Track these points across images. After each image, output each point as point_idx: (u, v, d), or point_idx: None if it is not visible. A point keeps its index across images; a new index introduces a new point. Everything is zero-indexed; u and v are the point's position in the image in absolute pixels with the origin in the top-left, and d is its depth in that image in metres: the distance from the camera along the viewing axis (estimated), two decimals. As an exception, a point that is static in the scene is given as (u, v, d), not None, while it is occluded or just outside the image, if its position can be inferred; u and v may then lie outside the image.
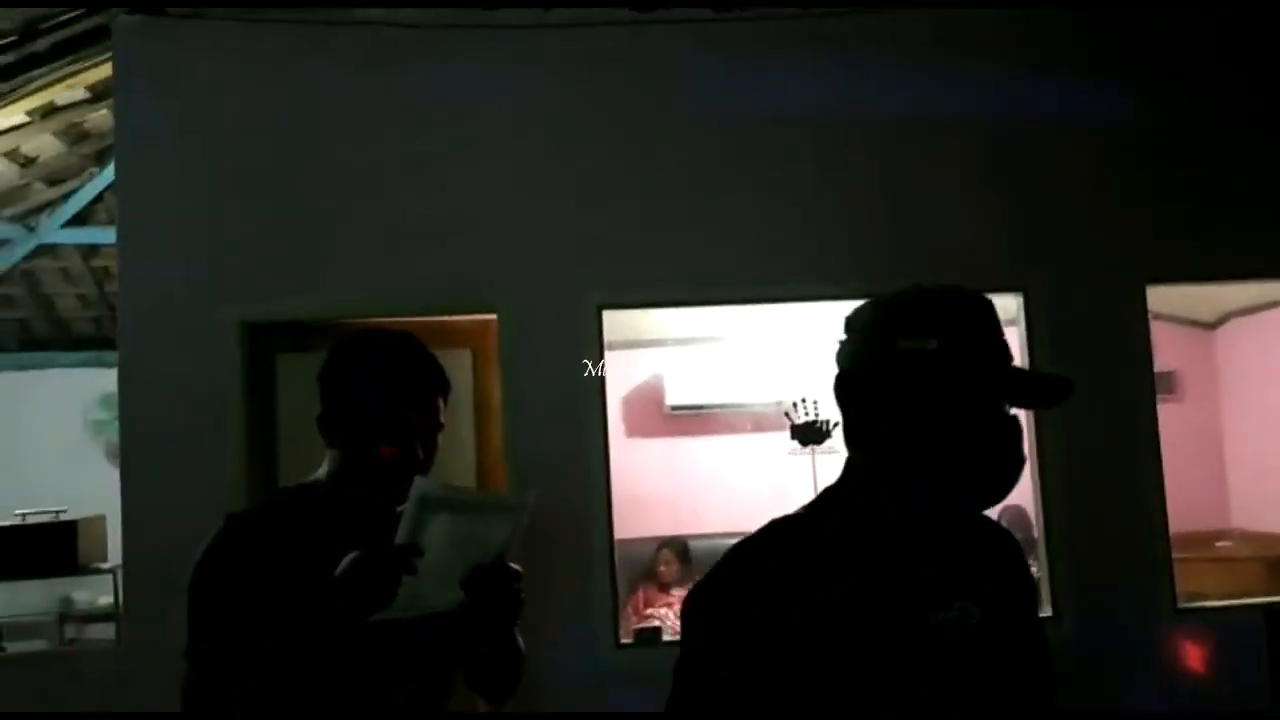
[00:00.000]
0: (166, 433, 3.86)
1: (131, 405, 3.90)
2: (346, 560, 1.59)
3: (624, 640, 4.01)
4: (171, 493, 3.80)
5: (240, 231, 3.97)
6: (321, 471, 1.84)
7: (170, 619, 3.53)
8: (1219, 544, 6.62)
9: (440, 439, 1.85)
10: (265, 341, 4.01)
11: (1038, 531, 4.36)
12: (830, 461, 6.01)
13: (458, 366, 4.09)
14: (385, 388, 1.78)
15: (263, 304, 3.94)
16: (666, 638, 4.11)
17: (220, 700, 1.65)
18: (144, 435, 3.87)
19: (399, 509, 1.80)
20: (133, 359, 3.91)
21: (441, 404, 1.85)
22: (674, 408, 6.51)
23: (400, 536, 1.58)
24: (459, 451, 4.03)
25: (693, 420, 6.59)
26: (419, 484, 1.62)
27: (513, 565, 1.74)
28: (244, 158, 3.99)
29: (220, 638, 1.65)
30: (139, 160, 4.01)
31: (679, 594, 5.69)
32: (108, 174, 5.89)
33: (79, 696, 3.79)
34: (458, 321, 4.10)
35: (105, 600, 5.42)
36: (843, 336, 1.44)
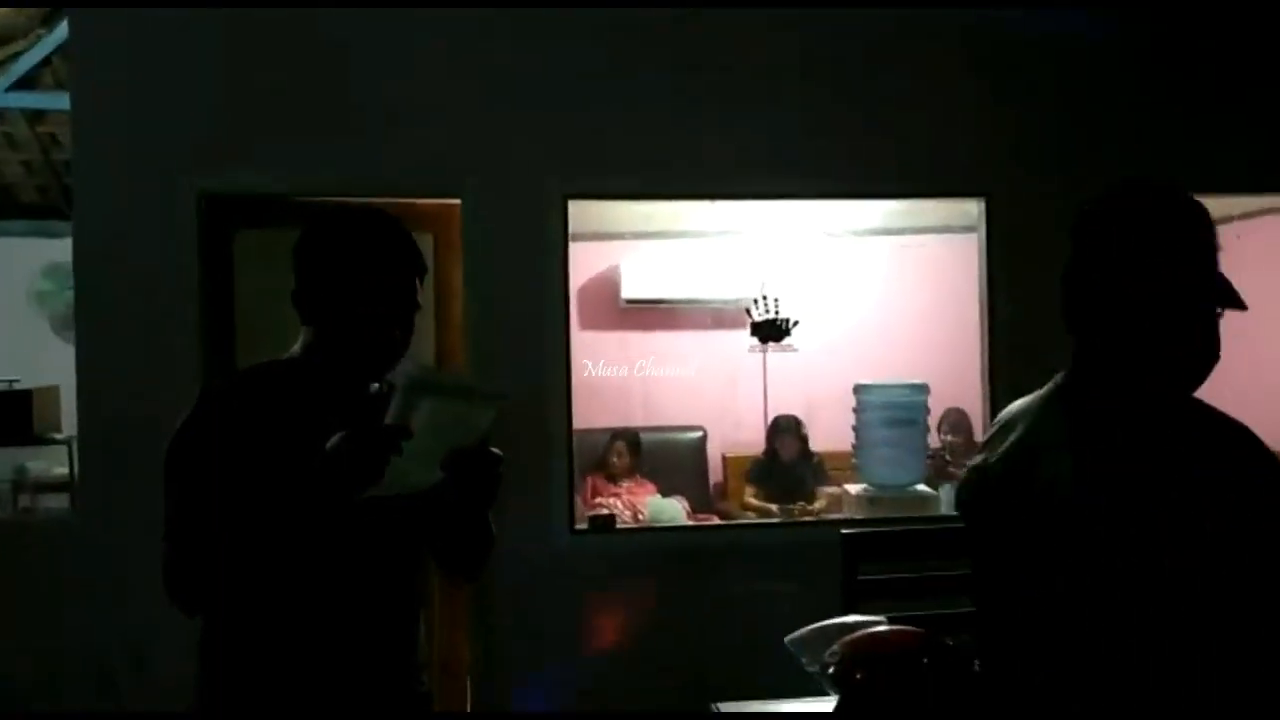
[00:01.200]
0: (121, 304, 3.80)
1: (85, 276, 3.83)
2: (336, 438, 1.61)
3: (579, 526, 4.09)
4: (126, 364, 3.78)
5: (200, 101, 3.86)
6: (296, 347, 1.86)
7: (124, 488, 3.59)
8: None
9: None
10: (223, 215, 3.94)
11: (979, 434, 4.49)
12: (784, 359, 6.12)
13: (420, 249, 4.07)
14: (366, 266, 1.80)
15: (222, 176, 3.86)
16: (619, 525, 4.21)
17: (203, 574, 1.68)
18: (98, 306, 3.81)
19: (374, 388, 1.83)
20: (87, 228, 3.83)
21: (419, 285, 1.87)
22: (629, 301, 6.54)
23: (390, 417, 1.61)
24: (419, 333, 4.01)
25: (647, 314, 6.63)
26: (408, 366, 1.65)
27: (494, 450, 1.78)
28: (207, 25, 3.86)
29: (201, 512, 1.68)
30: (92, 22, 3.88)
31: (628, 485, 5.79)
32: (56, 35, 5.69)
33: (34, 564, 3.81)
34: (421, 204, 4.06)
35: (59, 470, 5.39)
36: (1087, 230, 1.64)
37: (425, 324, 4.05)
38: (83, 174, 3.87)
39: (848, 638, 2.10)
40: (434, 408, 1.63)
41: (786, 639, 2.18)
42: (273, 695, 1.76)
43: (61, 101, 3.95)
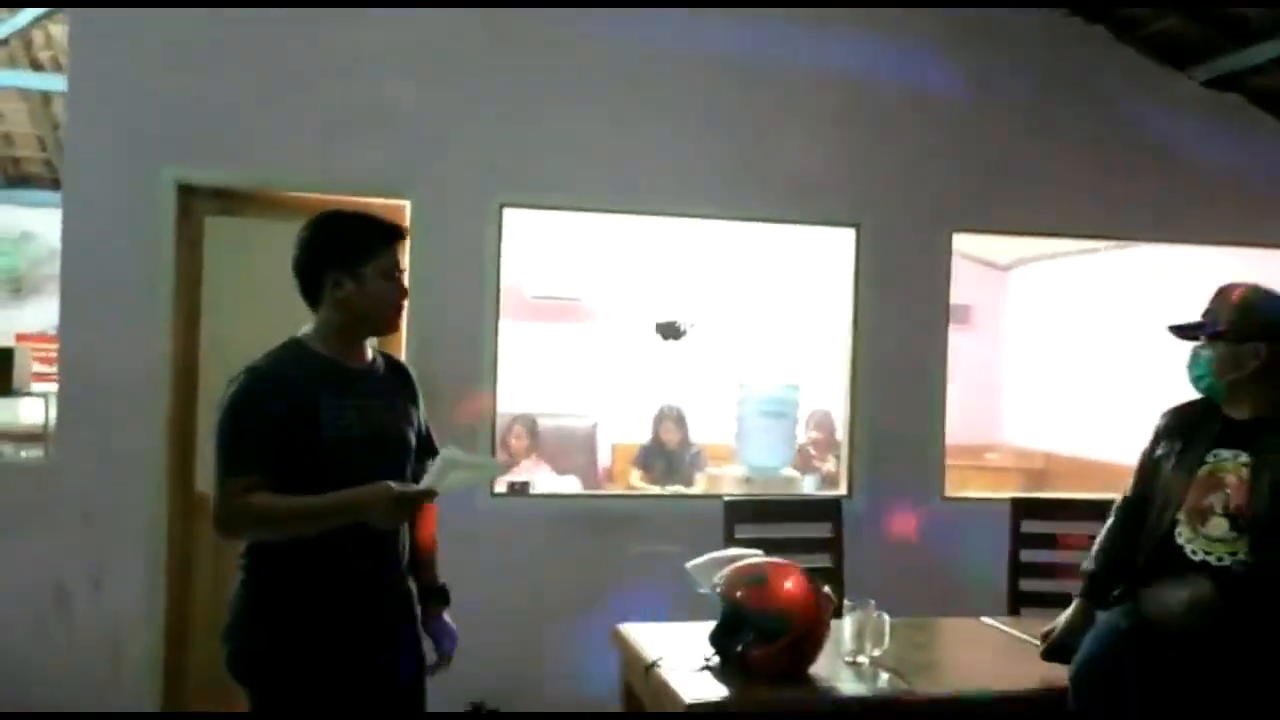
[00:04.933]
0: (102, 277, 4.26)
1: (72, 250, 4.29)
2: (381, 490, 2.23)
3: (498, 490, 4.72)
4: (104, 331, 4.24)
5: (182, 98, 4.33)
6: (310, 331, 2.40)
7: (95, 438, 4.10)
8: (989, 455, 7.78)
9: None
10: (196, 203, 4.41)
11: (840, 432, 5.28)
12: (675, 358, 6.78)
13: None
14: (384, 262, 2.37)
15: (197, 168, 4.34)
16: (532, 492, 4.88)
17: (253, 522, 2.28)
18: (82, 277, 4.27)
19: (360, 366, 2.43)
20: (75, 206, 4.29)
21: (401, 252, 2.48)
22: (535, 297, 7.13)
23: (425, 482, 2.28)
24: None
25: (550, 308, 7.23)
26: (449, 450, 2.34)
27: None
28: (191, 29, 4.34)
29: (255, 466, 2.24)
30: (94, 18, 4.32)
31: (526, 464, 6.40)
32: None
33: (6, 502, 4.26)
34: (370, 204, 4.60)
35: (28, 422, 5.67)
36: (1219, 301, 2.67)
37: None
38: (74, 156, 4.33)
39: (732, 565, 2.79)
40: (456, 475, 2.31)
41: (687, 565, 2.86)
42: (310, 592, 2.34)
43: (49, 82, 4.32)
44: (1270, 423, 2.59)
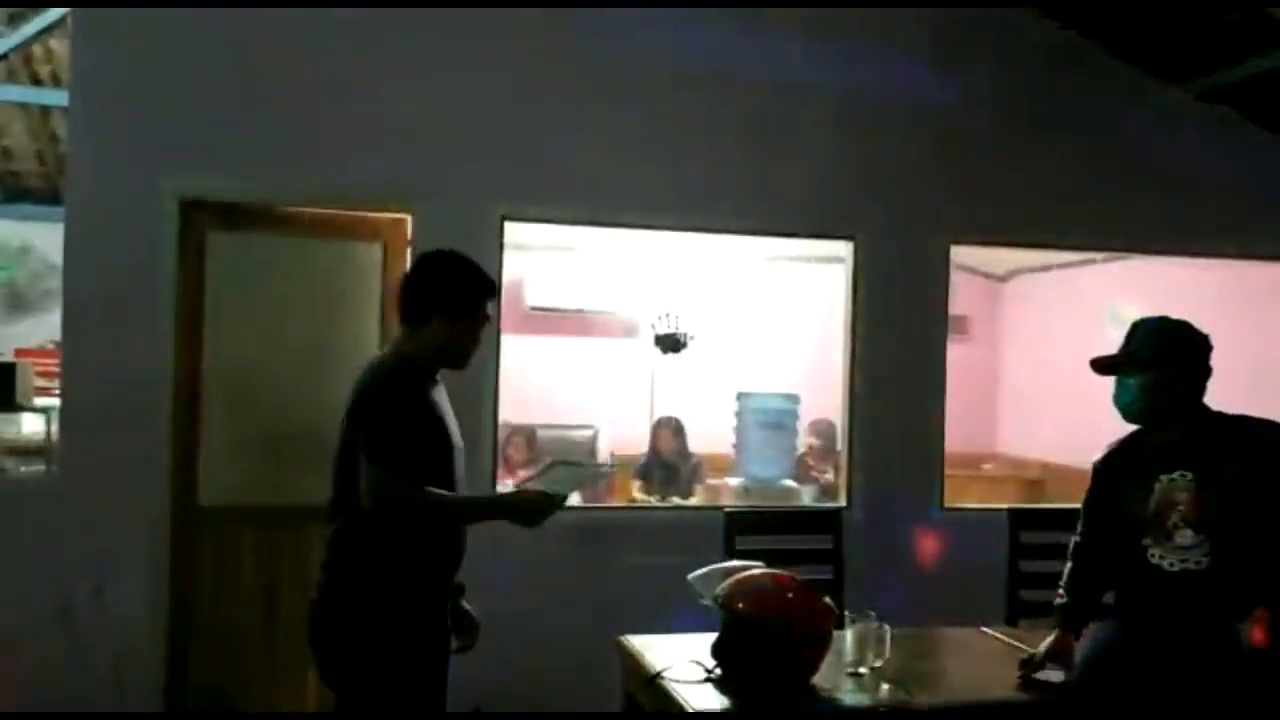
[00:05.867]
0: (104, 291, 4.26)
1: (73, 264, 4.30)
2: (530, 495, 2.76)
3: (498, 502, 4.72)
4: (106, 345, 4.26)
5: (185, 111, 4.35)
6: (412, 349, 2.77)
7: (97, 452, 4.10)
8: (985, 465, 7.81)
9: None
10: (198, 217, 4.43)
11: (840, 442, 5.30)
12: (675, 369, 6.81)
13: (370, 257, 4.66)
14: (482, 315, 2.80)
15: (200, 182, 4.36)
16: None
17: (418, 509, 2.66)
18: (84, 291, 4.28)
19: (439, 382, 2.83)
20: (78, 222, 4.30)
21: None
22: (533, 308, 7.16)
23: (545, 485, 2.73)
24: (365, 335, 4.58)
25: (549, 320, 7.25)
26: (550, 461, 2.85)
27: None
28: (193, 43, 4.37)
29: (411, 465, 2.60)
30: (95, 31, 4.36)
31: (524, 474, 6.41)
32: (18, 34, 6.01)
33: (10, 516, 4.27)
34: (372, 217, 4.64)
35: (26, 435, 5.69)
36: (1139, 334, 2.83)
37: (371, 324, 4.58)
38: (76, 170, 4.35)
39: (734, 576, 2.82)
40: (563, 475, 2.79)
41: (689, 576, 2.88)
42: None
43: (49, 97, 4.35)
44: (1199, 440, 2.78)
